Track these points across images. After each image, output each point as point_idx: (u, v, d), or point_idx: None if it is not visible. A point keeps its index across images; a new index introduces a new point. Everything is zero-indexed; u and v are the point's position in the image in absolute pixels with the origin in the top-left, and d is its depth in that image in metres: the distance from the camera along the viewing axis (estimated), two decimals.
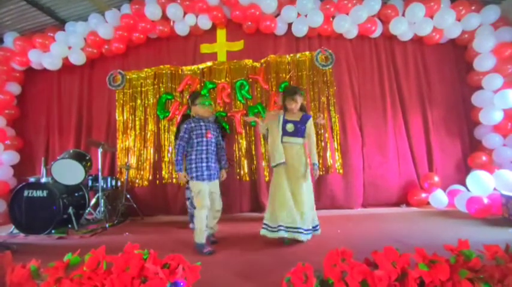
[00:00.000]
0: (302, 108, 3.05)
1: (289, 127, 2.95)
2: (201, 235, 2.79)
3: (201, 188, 2.82)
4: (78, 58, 4.94)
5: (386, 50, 4.83)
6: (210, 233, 3.04)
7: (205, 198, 2.82)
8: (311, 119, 3.01)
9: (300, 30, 4.63)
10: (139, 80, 4.99)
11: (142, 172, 4.81)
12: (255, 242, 2.91)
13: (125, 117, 4.96)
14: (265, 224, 2.87)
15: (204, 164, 2.88)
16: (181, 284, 1.51)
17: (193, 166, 2.88)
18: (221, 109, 4.69)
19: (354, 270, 1.37)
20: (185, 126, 2.96)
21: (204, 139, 2.92)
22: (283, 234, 2.75)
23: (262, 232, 2.84)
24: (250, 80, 4.76)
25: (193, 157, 2.89)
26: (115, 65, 5.10)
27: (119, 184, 4.48)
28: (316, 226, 2.98)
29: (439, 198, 4.24)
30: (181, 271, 1.51)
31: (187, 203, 3.80)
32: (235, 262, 2.40)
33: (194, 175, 2.86)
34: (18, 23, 4.95)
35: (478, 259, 1.42)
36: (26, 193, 3.64)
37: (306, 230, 2.79)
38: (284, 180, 2.87)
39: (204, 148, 2.92)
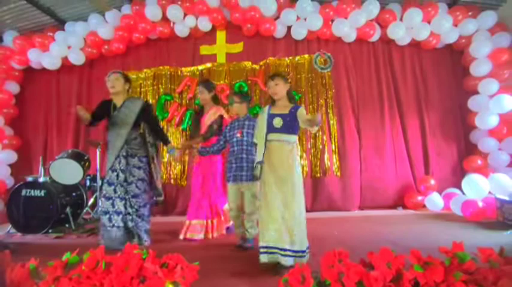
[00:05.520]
0: (291, 99, 2.44)
1: (277, 122, 2.32)
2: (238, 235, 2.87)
3: (228, 191, 2.89)
4: (77, 58, 4.94)
5: (384, 54, 4.88)
6: (242, 231, 2.85)
7: (230, 201, 2.88)
8: (301, 108, 2.35)
9: (299, 33, 4.66)
10: (139, 81, 4.99)
11: None
12: None
13: None
14: (260, 247, 2.22)
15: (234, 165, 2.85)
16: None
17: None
18: None
19: (350, 271, 1.39)
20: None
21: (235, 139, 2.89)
22: (263, 259, 2.15)
23: (262, 258, 2.17)
24: (250, 82, 4.78)
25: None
26: (115, 65, 5.07)
27: None
28: (306, 249, 2.21)
29: (434, 201, 4.28)
30: (180, 271, 1.52)
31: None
32: (233, 262, 2.41)
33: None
34: (18, 22, 4.94)
35: (473, 261, 1.44)
36: (23, 192, 3.61)
37: (294, 251, 2.13)
38: (273, 188, 2.24)
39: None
